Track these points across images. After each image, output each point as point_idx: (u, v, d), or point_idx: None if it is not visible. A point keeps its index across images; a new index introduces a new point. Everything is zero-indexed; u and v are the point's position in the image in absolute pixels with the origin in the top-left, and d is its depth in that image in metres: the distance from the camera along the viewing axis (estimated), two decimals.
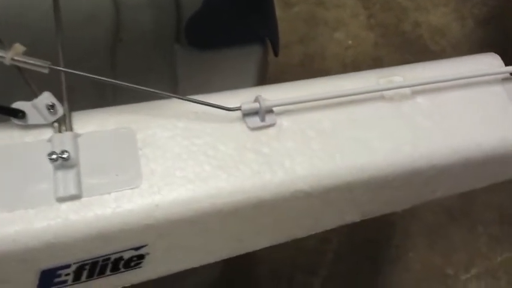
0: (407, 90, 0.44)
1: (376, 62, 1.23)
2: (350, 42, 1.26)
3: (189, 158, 0.40)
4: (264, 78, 0.61)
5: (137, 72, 0.58)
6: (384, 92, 0.44)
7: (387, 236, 1.10)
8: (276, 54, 0.60)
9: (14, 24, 0.62)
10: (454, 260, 1.07)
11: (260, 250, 0.44)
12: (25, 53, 0.38)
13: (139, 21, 0.60)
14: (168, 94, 0.39)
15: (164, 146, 0.40)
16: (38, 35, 0.59)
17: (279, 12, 1.31)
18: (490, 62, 0.47)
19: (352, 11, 1.30)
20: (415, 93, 0.44)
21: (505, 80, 0.46)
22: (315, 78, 0.45)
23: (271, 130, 0.42)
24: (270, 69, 1.28)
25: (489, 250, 1.08)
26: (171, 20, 0.60)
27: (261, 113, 0.41)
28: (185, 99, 0.40)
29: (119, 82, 0.38)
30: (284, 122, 0.42)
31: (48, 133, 0.39)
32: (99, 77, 0.38)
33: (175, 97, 0.40)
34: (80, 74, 0.38)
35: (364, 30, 1.28)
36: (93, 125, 0.40)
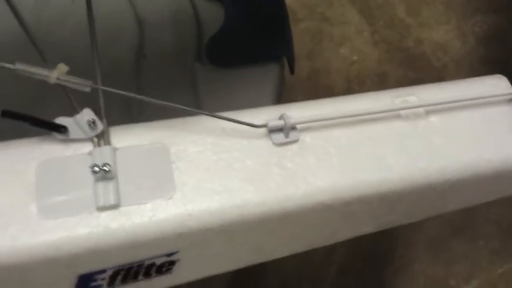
0: (421, 110, 0.47)
1: (380, 78, 1.26)
2: (355, 57, 1.29)
3: (218, 171, 0.42)
4: (281, 94, 0.64)
5: (161, 87, 0.61)
6: (400, 111, 0.46)
7: (391, 248, 1.12)
8: (292, 71, 0.63)
9: (44, 42, 0.64)
10: (456, 272, 1.10)
11: (269, 261, 0.47)
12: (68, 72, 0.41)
13: (161, 39, 0.63)
14: (200, 111, 0.42)
15: (195, 160, 0.42)
16: (67, 52, 0.62)
17: None
18: (497, 84, 0.50)
19: (357, 28, 1.33)
20: (429, 113, 0.47)
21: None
22: (334, 97, 0.48)
23: (294, 146, 0.44)
24: None
25: (489, 262, 1.11)
26: (192, 38, 0.63)
27: (286, 130, 0.44)
28: (215, 116, 0.43)
29: (157, 101, 0.41)
30: (306, 138, 0.45)
31: (87, 147, 0.42)
32: (137, 95, 0.41)
33: (206, 114, 0.43)
34: (118, 92, 0.41)
35: (368, 46, 1.31)
36: (129, 140, 0.42)
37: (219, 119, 0.44)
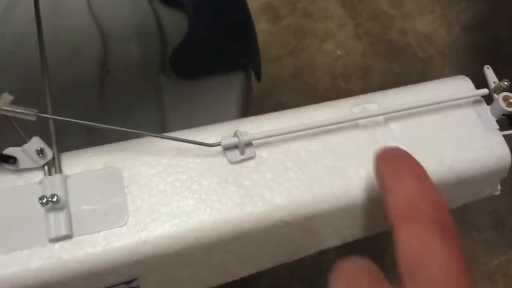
0: (380, 118, 0.46)
1: (364, 72, 1.25)
2: (339, 52, 1.28)
3: (173, 193, 0.42)
4: (248, 103, 0.63)
5: (125, 102, 0.60)
6: (358, 120, 0.45)
7: (382, 245, 1.12)
8: (258, 79, 0.62)
9: (5, 62, 0.64)
10: None
11: None
12: (14, 100, 0.40)
13: (125, 53, 0.62)
14: (149, 134, 0.42)
15: (149, 183, 0.42)
16: (28, 71, 0.62)
17: (268, 25, 1.34)
18: (461, 85, 0.49)
19: (340, 22, 1.32)
20: (388, 120, 0.46)
21: (476, 102, 0.48)
22: (292, 109, 0.47)
23: (251, 162, 0.44)
24: (263, 83, 1.30)
25: (485, 255, 1.10)
26: (157, 51, 0.62)
27: (241, 147, 0.43)
28: (166, 138, 0.42)
29: (103, 125, 0.40)
30: (263, 153, 0.44)
31: (39, 175, 0.41)
32: (85, 122, 0.40)
33: (157, 136, 0.42)
34: (66, 120, 0.40)
35: (352, 40, 1.30)
36: (81, 166, 0.42)
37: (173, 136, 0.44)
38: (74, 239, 0.39)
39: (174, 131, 0.58)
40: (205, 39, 0.61)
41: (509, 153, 0.46)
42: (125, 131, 0.40)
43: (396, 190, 0.33)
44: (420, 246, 0.30)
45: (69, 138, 0.61)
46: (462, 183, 0.46)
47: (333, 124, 0.45)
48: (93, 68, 0.62)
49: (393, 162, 0.35)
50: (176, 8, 0.64)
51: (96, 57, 0.62)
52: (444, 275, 0.28)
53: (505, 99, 0.46)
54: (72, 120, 0.40)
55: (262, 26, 1.32)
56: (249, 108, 0.64)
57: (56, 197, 0.38)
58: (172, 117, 0.58)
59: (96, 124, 0.41)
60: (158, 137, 0.42)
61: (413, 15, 1.32)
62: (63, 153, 0.43)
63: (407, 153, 0.35)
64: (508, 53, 1.24)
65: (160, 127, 0.58)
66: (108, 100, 0.60)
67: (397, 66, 1.26)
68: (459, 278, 0.28)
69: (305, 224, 0.43)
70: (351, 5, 1.34)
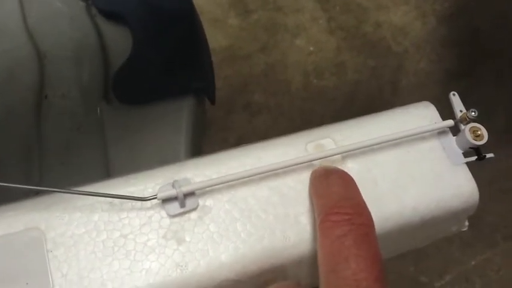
0: (337, 156, 0.42)
1: (338, 68, 1.20)
2: (311, 48, 1.23)
3: (104, 255, 0.37)
4: (202, 130, 0.58)
5: (64, 131, 0.55)
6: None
7: None
8: (212, 102, 0.57)
9: None
10: (427, 267, 1.06)
11: None
12: None
13: (64, 75, 0.57)
14: (68, 191, 0.37)
15: (77, 244, 0.37)
16: None
17: (237, 21, 1.28)
18: (425, 115, 0.45)
19: (312, 15, 1.27)
20: (345, 158, 0.42)
21: (441, 133, 0.44)
22: (240, 149, 0.43)
23: (193, 214, 0.39)
24: (233, 82, 1.25)
25: (462, 255, 1.08)
26: (98, 74, 0.57)
27: (180, 199, 0.39)
28: (89, 194, 0.37)
29: (36, 188, 0.36)
30: (207, 202, 0.40)
31: None
32: (20, 185, 0.35)
33: (79, 193, 0.37)
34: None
35: (324, 34, 1.25)
36: (0, 228, 0.37)
37: (106, 187, 0.39)
38: None
39: (117, 164, 0.54)
40: (151, 60, 0.56)
41: (477, 190, 0.43)
42: (37, 189, 0.35)
43: (324, 196, 0.36)
44: (336, 252, 0.32)
45: (4, 166, 0.56)
46: (426, 224, 0.42)
47: (285, 167, 0.40)
48: (28, 94, 0.56)
49: (324, 174, 0.38)
50: (120, 23, 0.59)
51: (32, 81, 0.57)
52: (354, 279, 0.30)
53: (472, 131, 0.42)
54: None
55: (231, 22, 1.26)
56: (205, 133, 0.60)
57: None
58: (115, 149, 0.53)
59: (25, 186, 0.36)
60: (80, 194, 0.37)
61: (388, 6, 1.27)
62: None
63: (337, 168, 0.40)
64: (486, 45, 1.20)
65: (103, 160, 0.53)
66: (46, 129, 0.55)
67: (372, 61, 1.21)
68: (369, 283, 0.30)
69: (256, 280, 0.39)
70: None
